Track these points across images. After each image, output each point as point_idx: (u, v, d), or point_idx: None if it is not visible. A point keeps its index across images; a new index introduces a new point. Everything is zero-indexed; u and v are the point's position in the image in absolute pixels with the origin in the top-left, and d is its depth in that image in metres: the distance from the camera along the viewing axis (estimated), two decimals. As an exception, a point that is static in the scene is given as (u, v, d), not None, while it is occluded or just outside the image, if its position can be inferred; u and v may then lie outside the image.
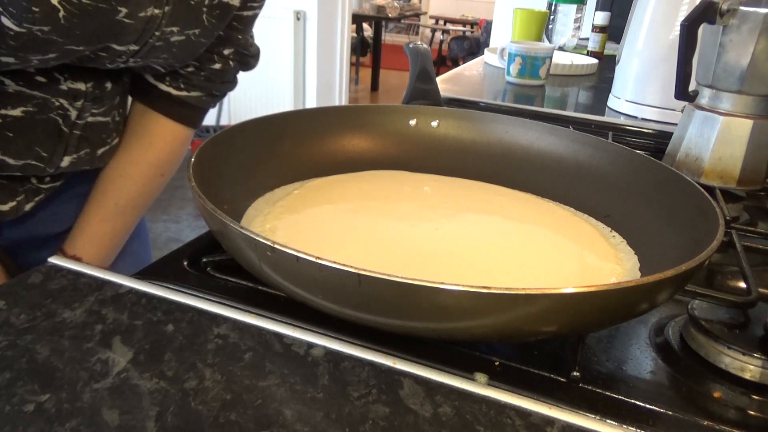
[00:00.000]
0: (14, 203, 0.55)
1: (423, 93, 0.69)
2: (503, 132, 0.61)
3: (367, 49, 5.79)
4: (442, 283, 0.28)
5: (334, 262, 0.29)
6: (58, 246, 0.63)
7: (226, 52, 0.60)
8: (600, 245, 0.48)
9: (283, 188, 0.54)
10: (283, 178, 0.54)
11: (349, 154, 0.59)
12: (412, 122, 0.62)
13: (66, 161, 0.55)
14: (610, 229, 0.51)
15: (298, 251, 0.30)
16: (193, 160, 0.41)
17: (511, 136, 0.60)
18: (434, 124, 0.62)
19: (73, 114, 0.52)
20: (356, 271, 0.29)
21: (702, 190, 0.44)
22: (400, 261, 0.43)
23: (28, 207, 0.56)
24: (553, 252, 0.47)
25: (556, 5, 1.64)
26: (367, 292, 0.29)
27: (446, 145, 0.62)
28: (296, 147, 0.56)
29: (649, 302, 0.34)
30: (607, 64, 1.45)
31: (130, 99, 0.63)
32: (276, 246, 0.30)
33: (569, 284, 0.29)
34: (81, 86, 0.52)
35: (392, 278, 0.28)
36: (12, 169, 0.52)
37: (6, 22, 0.41)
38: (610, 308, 0.32)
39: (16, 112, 0.49)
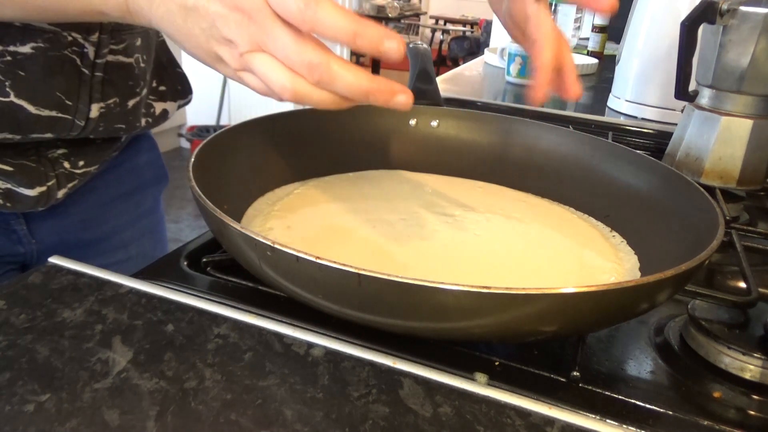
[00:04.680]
0: (44, 188, 0.52)
1: (423, 93, 0.69)
2: (503, 132, 0.61)
3: (367, 49, 5.78)
4: (442, 282, 0.28)
5: (335, 262, 0.29)
6: (89, 255, 0.61)
7: None
8: (600, 245, 0.48)
9: (283, 188, 0.54)
10: (283, 178, 0.54)
11: (349, 154, 0.59)
12: (412, 122, 0.62)
13: (95, 110, 0.51)
14: (609, 229, 0.51)
15: (298, 251, 0.30)
16: (192, 160, 0.41)
17: (511, 136, 0.60)
18: (434, 124, 0.62)
19: (91, 51, 0.49)
20: (356, 271, 0.29)
21: (702, 190, 0.44)
22: (400, 261, 0.43)
23: (60, 194, 0.54)
24: (553, 252, 0.47)
25: (556, 5, 1.64)
26: (367, 292, 0.29)
27: (446, 145, 0.61)
28: (296, 147, 0.56)
29: (649, 302, 0.34)
30: (607, 64, 1.45)
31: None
32: (276, 246, 0.30)
33: (569, 284, 0.29)
34: None
35: (392, 278, 0.28)
36: (39, 125, 0.48)
37: None
38: (610, 308, 0.32)
39: (26, 48, 0.46)
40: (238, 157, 0.50)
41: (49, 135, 0.50)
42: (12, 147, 0.50)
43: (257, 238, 0.31)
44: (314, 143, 0.58)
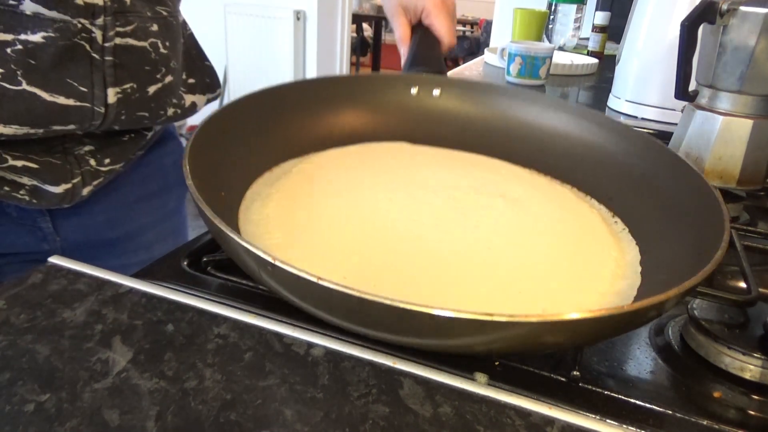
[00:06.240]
0: (69, 185, 0.53)
1: (425, 59, 0.64)
2: (506, 105, 0.59)
3: (367, 49, 5.79)
4: (443, 308, 0.27)
5: (336, 284, 0.28)
6: (112, 254, 0.62)
7: None
8: (601, 234, 0.47)
9: (282, 166, 0.52)
10: (281, 155, 0.52)
11: (348, 126, 0.57)
12: (413, 90, 0.59)
13: (111, 95, 0.51)
14: (612, 213, 0.50)
15: (299, 270, 0.29)
16: (188, 150, 0.39)
17: (514, 110, 0.58)
18: (436, 93, 0.59)
19: (99, 36, 0.49)
20: (358, 294, 0.28)
21: (708, 183, 0.43)
22: (400, 260, 0.43)
23: (86, 192, 0.54)
24: (553, 242, 0.45)
25: (556, 5, 1.64)
26: (368, 311, 0.29)
27: (448, 116, 0.59)
28: (293, 121, 0.54)
29: (650, 318, 0.34)
30: (607, 64, 1.45)
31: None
32: (277, 263, 0.30)
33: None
34: (98, 0, 0.49)
35: (394, 303, 0.28)
36: (57, 115, 0.48)
37: None
38: (613, 328, 0.32)
39: (37, 38, 0.46)
40: (234, 139, 0.48)
41: (72, 126, 0.50)
42: (38, 143, 0.50)
43: (258, 252, 0.30)
44: (312, 116, 0.55)
